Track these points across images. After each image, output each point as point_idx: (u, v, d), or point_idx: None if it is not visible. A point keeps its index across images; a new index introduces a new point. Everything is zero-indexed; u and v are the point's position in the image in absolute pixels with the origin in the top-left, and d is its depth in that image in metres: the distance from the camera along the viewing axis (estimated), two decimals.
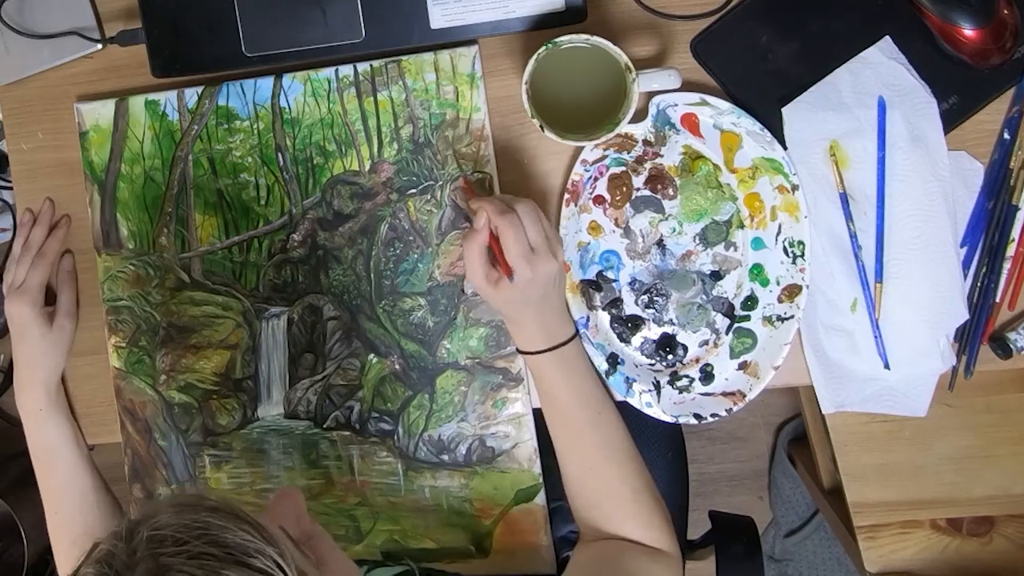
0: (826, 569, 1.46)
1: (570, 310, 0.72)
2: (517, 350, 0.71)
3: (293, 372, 0.76)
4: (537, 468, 0.73)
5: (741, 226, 0.72)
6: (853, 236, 0.70)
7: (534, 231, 0.65)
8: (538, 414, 0.74)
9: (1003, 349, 0.71)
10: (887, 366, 0.71)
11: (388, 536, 0.75)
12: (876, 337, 0.70)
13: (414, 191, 0.74)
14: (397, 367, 0.75)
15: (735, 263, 0.73)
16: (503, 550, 0.74)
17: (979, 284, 0.72)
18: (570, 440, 0.69)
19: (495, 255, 0.66)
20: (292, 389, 0.76)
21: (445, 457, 0.74)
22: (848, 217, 0.70)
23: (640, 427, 0.75)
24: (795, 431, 1.49)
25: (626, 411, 0.72)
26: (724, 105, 0.69)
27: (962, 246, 0.71)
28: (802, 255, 0.70)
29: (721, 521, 0.89)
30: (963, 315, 0.70)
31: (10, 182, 0.81)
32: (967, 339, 0.72)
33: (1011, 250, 0.71)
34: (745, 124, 0.69)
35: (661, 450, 0.96)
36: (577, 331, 0.70)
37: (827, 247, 0.71)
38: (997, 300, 0.72)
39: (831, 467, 1.17)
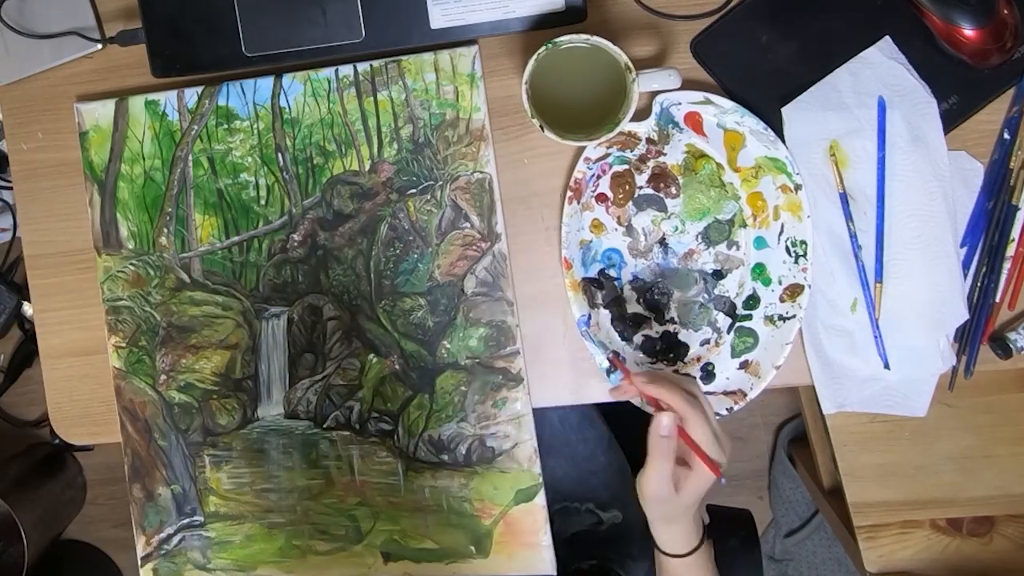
0: (826, 569, 1.46)
1: (572, 308, 0.72)
2: (664, 553, 0.65)
3: (293, 372, 0.76)
4: (537, 468, 0.73)
5: (744, 225, 0.72)
6: (853, 236, 0.70)
7: (715, 424, 0.60)
8: (538, 414, 0.74)
9: (1003, 349, 0.71)
10: (887, 366, 0.71)
11: (388, 536, 0.75)
12: (876, 337, 0.71)
13: (414, 191, 0.74)
14: (397, 367, 0.75)
15: (737, 262, 0.73)
16: (503, 550, 0.74)
17: (979, 284, 0.72)
18: None
19: (686, 449, 0.60)
20: (292, 389, 0.76)
21: (445, 457, 0.74)
22: (848, 217, 0.70)
23: (638, 422, 0.75)
24: (795, 431, 1.50)
25: (625, 409, 0.73)
26: (728, 104, 0.69)
27: (962, 246, 0.71)
28: (804, 255, 0.70)
29: (718, 514, 0.89)
30: (963, 315, 0.70)
31: (10, 182, 0.81)
32: (967, 339, 0.72)
33: (1011, 250, 0.71)
34: (749, 123, 0.69)
35: None
36: (704, 528, 0.66)
37: (827, 247, 0.71)
38: (997, 300, 0.72)
39: (831, 467, 1.17)
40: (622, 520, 0.88)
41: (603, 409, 0.92)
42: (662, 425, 0.60)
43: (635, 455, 0.92)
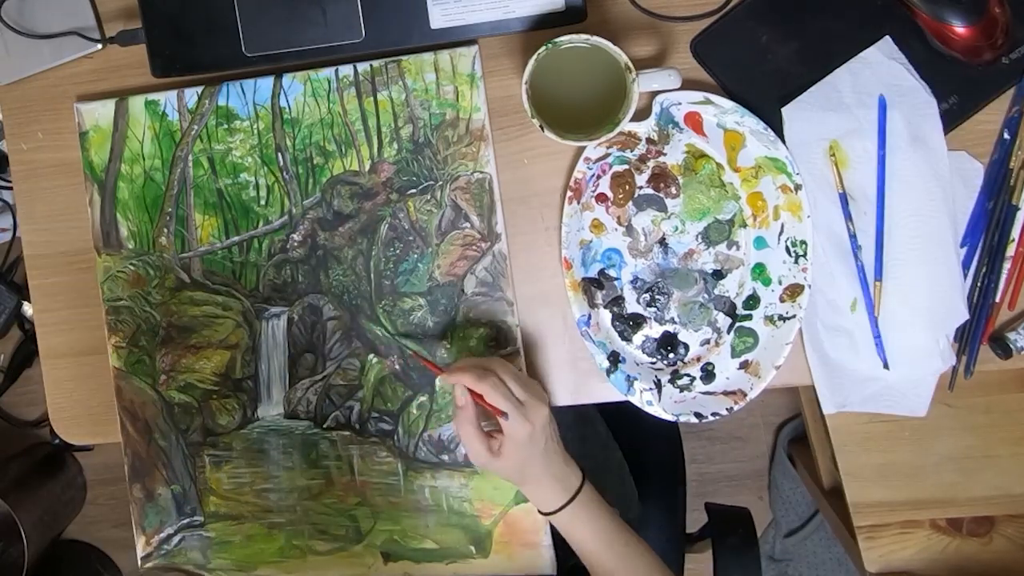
0: (826, 569, 1.46)
1: (572, 308, 0.72)
2: (541, 513, 0.69)
3: (293, 372, 0.76)
4: None
5: (743, 225, 0.72)
6: (853, 236, 0.70)
7: (515, 384, 0.66)
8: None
9: (1003, 349, 0.71)
10: (887, 366, 0.71)
11: (388, 536, 0.75)
12: (876, 337, 0.71)
13: (414, 191, 0.74)
14: (397, 367, 0.75)
15: (737, 262, 0.73)
16: (503, 550, 0.74)
17: (979, 284, 0.72)
18: None
19: (486, 413, 0.66)
20: (292, 389, 0.76)
21: (445, 457, 0.74)
22: (848, 217, 0.70)
23: (636, 420, 0.76)
24: (795, 431, 1.50)
25: (624, 408, 0.73)
26: (728, 104, 0.69)
27: (962, 246, 0.71)
28: (804, 255, 0.70)
29: (717, 513, 0.89)
30: (963, 315, 0.70)
31: (10, 182, 0.81)
32: (967, 339, 0.72)
33: (1011, 250, 0.71)
34: (749, 123, 0.69)
35: (658, 444, 0.97)
36: (584, 470, 0.70)
37: (827, 247, 0.71)
38: (997, 300, 0.72)
39: (831, 467, 1.17)
40: (620, 517, 0.88)
41: (601, 408, 0.92)
42: (456, 397, 0.66)
43: (633, 454, 0.93)
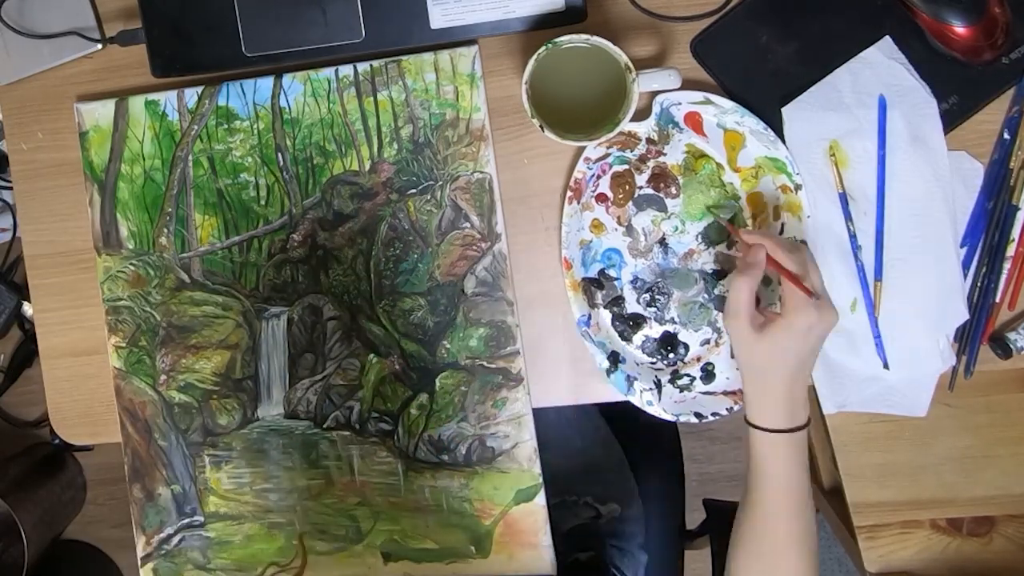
0: (826, 569, 1.46)
1: (572, 308, 0.72)
2: (748, 423, 0.63)
3: (293, 372, 0.76)
4: (537, 468, 0.73)
5: (743, 225, 0.72)
6: (852, 236, 0.70)
7: (818, 277, 0.60)
8: (538, 414, 0.74)
9: (1003, 349, 0.71)
10: (887, 366, 0.71)
11: (388, 536, 0.75)
12: (876, 337, 0.71)
13: (414, 191, 0.74)
14: (397, 367, 0.75)
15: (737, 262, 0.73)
16: (503, 550, 0.74)
17: (979, 284, 0.72)
18: (766, 525, 0.63)
19: (787, 283, 0.60)
20: (292, 389, 0.76)
21: (445, 457, 0.74)
22: (848, 217, 0.70)
23: (635, 418, 0.76)
24: None
25: (623, 407, 0.73)
26: (728, 104, 0.69)
27: (962, 246, 0.71)
28: None
29: (718, 510, 0.89)
30: (963, 315, 0.70)
31: (10, 182, 0.81)
32: (967, 339, 0.72)
33: (1011, 250, 0.71)
34: (749, 123, 0.69)
35: (657, 441, 0.97)
36: (810, 418, 0.63)
37: (827, 247, 0.70)
38: (997, 300, 0.72)
39: (831, 467, 1.17)
40: (620, 513, 0.88)
41: (600, 406, 0.93)
42: (751, 252, 0.61)
43: (632, 451, 0.93)
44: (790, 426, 0.61)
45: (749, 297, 0.60)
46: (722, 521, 0.87)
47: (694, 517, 1.00)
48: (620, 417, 0.91)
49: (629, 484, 0.91)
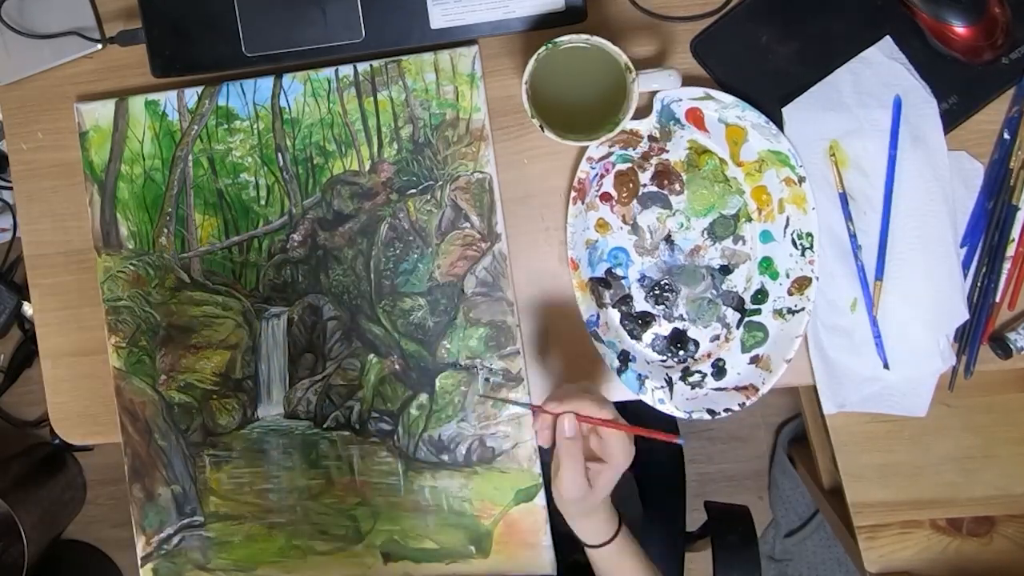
0: (826, 569, 1.46)
1: (581, 308, 0.72)
2: (590, 546, 0.67)
3: (293, 372, 0.76)
4: (537, 468, 0.73)
5: (749, 219, 0.72)
6: (852, 236, 0.70)
7: (609, 405, 0.61)
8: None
9: (1003, 349, 0.71)
10: (887, 366, 0.71)
11: (388, 536, 0.75)
12: (876, 337, 0.71)
13: (414, 191, 0.74)
14: (397, 367, 0.75)
15: (744, 257, 0.73)
16: (503, 550, 0.74)
17: (979, 284, 0.72)
18: None
19: (603, 429, 0.61)
20: (292, 389, 0.76)
21: (445, 457, 0.74)
22: (848, 217, 0.70)
23: (635, 421, 0.76)
24: (795, 431, 1.50)
25: (624, 409, 0.73)
26: (728, 99, 0.69)
27: (962, 246, 0.71)
28: (811, 247, 0.70)
29: (716, 511, 0.89)
30: (963, 315, 0.70)
31: (10, 182, 0.81)
32: (967, 339, 0.72)
33: (1011, 250, 0.71)
34: (750, 117, 0.69)
35: (658, 445, 0.96)
36: (620, 512, 0.68)
37: (827, 247, 0.71)
38: (997, 300, 0.72)
39: (831, 467, 1.17)
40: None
41: None
42: (565, 427, 0.60)
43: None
44: (613, 533, 0.66)
45: (583, 469, 0.60)
46: (723, 523, 0.87)
47: (694, 518, 1.00)
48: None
49: (632, 488, 0.91)
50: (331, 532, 0.76)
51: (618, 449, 0.61)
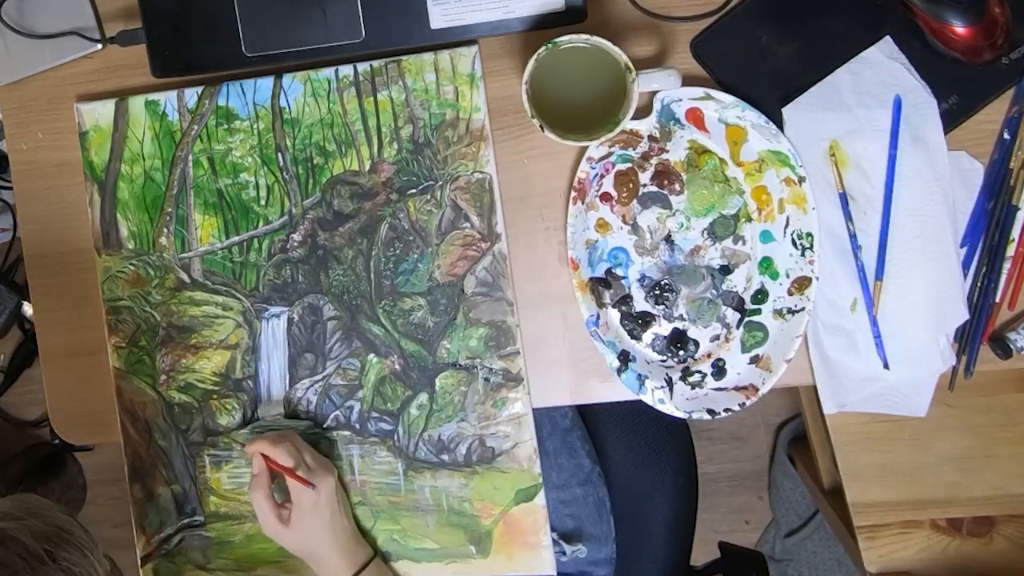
0: (826, 569, 1.46)
1: (581, 308, 0.72)
2: None
3: (293, 372, 0.76)
4: (537, 468, 0.73)
5: (749, 219, 0.72)
6: (852, 236, 0.70)
7: (306, 453, 0.71)
8: (538, 414, 0.74)
9: (1003, 349, 0.71)
10: (887, 366, 0.71)
11: (388, 536, 0.75)
12: (876, 337, 0.71)
13: (414, 191, 0.74)
14: (397, 367, 0.75)
15: (744, 257, 0.73)
16: (503, 550, 0.74)
17: (979, 284, 0.72)
18: None
19: (289, 481, 0.70)
20: (292, 389, 0.76)
21: (445, 457, 0.74)
22: (847, 217, 0.70)
23: (646, 443, 0.76)
24: (795, 431, 1.49)
25: (635, 426, 0.72)
26: (728, 99, 0.69)
27: (962, 246, 0.71)
28: (811, 247, 0.70)
29: (732, 554, 0.88)
30: (963, 315, 0.70)
31: (10, 182, 0.81)
32: (967, 339, 0.72)
33: (1011, 250, 0.71)
34: (750, 117, 0.69)
35: (669, 470, 0.93)
36: (376, 552, 0.74)
37: (827, 247, 0.71)
38: (997, 300, 0.72)
39: (831, 467, 1.17)
40: (586, 556, 0.86)
41: (597, 446, 0.91)
42: (253, 466, 0.71)
43: (645, 467, 0.91)
44: (354, 570, 0.71)
45: (269, 504, 0.70)
46: (738, 567, 0.86)
47: (699, 530, 0.97)
48: (632, 440, 0.90)
49: (606, 527, 0.88)
50: None
51: (296, 498, 0.70)
